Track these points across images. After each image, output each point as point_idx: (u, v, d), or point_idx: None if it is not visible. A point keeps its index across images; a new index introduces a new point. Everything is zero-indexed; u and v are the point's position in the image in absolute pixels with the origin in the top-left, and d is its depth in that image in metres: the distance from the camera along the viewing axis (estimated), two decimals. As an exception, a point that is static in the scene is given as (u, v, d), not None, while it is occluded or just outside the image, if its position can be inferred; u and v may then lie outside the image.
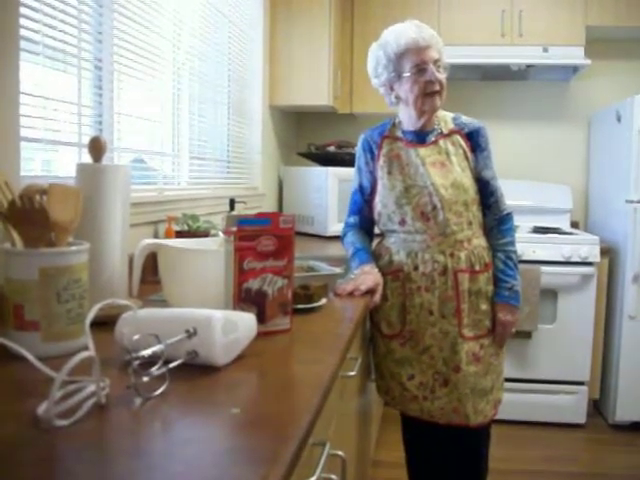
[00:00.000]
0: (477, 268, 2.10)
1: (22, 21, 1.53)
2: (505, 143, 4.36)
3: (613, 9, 3.88)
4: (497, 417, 2.23)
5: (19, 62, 1.51)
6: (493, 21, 3.96)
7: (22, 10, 1.53)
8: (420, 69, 2.04)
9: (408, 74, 2.05)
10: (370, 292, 1.96)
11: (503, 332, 2.14)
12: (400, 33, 2.07)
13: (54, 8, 1.69)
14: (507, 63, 3.92)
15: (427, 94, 2.06)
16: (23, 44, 1.54)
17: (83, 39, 1.87)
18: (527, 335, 3.59)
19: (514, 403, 3.57)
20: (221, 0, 3.07)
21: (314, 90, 3.78)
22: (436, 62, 2.06)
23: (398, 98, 2.14)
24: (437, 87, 2.06)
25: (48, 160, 1.86)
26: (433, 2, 4.06)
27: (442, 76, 2.07)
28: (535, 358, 3.64)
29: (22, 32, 1.53)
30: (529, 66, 3.92)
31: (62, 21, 1.73)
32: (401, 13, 3.83)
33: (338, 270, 1.97)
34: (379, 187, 2.16)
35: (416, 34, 2.04)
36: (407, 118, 2.17)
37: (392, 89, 2.13)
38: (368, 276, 2.02)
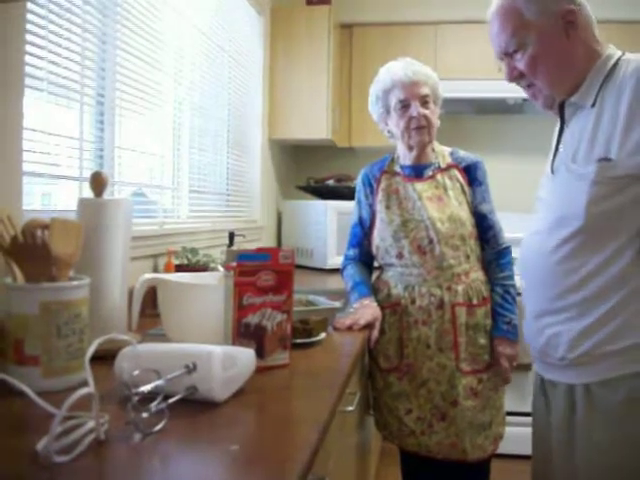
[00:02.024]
0: (475, 302, 2.10)
1: (27, 58, 1.56)
2: (502, 176, 4.38)
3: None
4: (497, 451, 2.21)
5: (23, 98, 1.54)
6: (489, 55, 3.97)
7: (27, 48, 1.56)
8: (404, 105, 2.10)
9: (394, 110, 2.12)
10: (369, 326, 1.96)
11: (508, 365, 2.13)
12: (390, 70, 2.15)
13: (59, 45, 1.72)
14: (503, 97, 3.96)
15: (413, 129, 2.10)
16: (27, 81, 1.57)
17: (86, 75, 1.90)
18: (526, 368, 3.57)
19: (514, 437, 3.54)
20: (222, 36, 3.11)
21: (313, 124, 3.82)
22: (423, 98, 2.11)
23: (391, 133, 2.21)
24: (422, 122, 2.10)
25: (48, 193, 1.87)
26: (430, 37, 4.12)
27: (428, 112, 2.11)
28: (534, 391, 3.61)
29: (27, 69, 1.56)
30: (525, 100, 3.95)
31: (67, 58, 1.76)
32: (400, 48, 3.89)
33: (337, 304, 1.98)
34: (377, 221, 2.18)
35: (403, 70, 2.11)
36: (402, 152, 2.22)
37: (386, 124, 2.21)
38: (367, 310, 2.03)
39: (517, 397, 3.54)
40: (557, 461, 1.57)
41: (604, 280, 1.43)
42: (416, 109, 2.09)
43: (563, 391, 1.53)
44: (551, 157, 1.61)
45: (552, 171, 1.58)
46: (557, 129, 1.62)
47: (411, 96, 2.10)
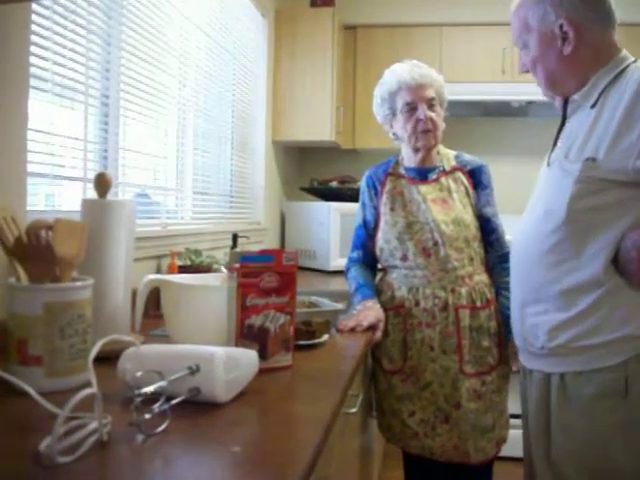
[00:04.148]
0: (478, 304, 2.10)
1: (32, 59, 1.56)
2: (506, 179, 4.38)
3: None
4: (500, 454, 2.21)
5: (28, 99, 1.54)
6: (494, 58, 4.02)
7: (32, 49, 1.56)
8: (411, 107, 2.11)
9: (401, 112, 2.12)
10: (372, 328, 1.96)
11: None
12: (395, 72, 2.15)
13: (63, 47, 1.72)
14: (508, 100, 3.97)
15: (420, 132, 2.10)
16: (32, 81, 1.57)
17: (90, 76, 1.90)
18: (529, 371, 3.57)
19: (516, 440, 3.53)
20: (226, 38, 3.12)
21: (317, 126, 3.82)
22: (430, 101, 2.11)
23: (396, 135, 2.20)
24: (429, 126, 2.10)
25: (52, 194, 1.88)
26: (435, 40, 4.12)
27: (434, 114, 2.12)
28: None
29: (32, 70, 1.57)
30: (530, 102, 3.96)
31: (71, 59, 1.77)
32: (404, 50, 3.90)
33: (340, 306, 1.98)
34: (381, 223, 2.18)
35: (409, 73, 2.11)
36: (407, 155, 2.22)
37: (391, 126, 2.20)
38: (370, 312, 2.02)
39: (519, 400, 3.52)
40: (535, 447, 1.65)
41: (582, 277, 1.49)
42: (423, 112, 2.09)
43: (539, 379, 1.62)
44: (550, 150, 1.67)
45: (548, 164, 1.65)
46: (559, 124, 1.67)
47: (418, 99, 2.10)
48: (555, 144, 1.64)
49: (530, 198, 1.73)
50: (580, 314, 1.50)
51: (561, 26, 1.54)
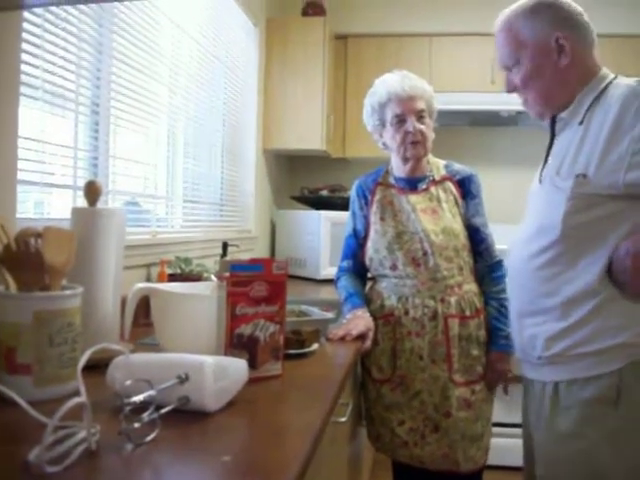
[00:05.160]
0: (467, 313, 2.11)
1: (23, 67, 1.56)
2: (495, 188, 4.40)
3: (607, 58, 3.96)
4: (489, 463, 2.21)
5: (18, 106, 1.54)
6: (483, 68, 4.04)
7: (23, 56, 1.56)
8: (400, 119, 2.12)
9: (390, 123, 2.13)
10: (361, 337, 1.96)
11: (497, 379, 2.17)
12: (386, 83, 2.16)
13: (55, 54, 1.72)
14: (497, 109, 3.99)
15: (409, 143, 2.12)
16: (23, 89, 1.57)
17: (81, 84, 1.90)
18: (517, 379, 3.57)
19: (507, 448, 3.53)
20: (217, 46, 3.13)
21: (307, 134, 3.83)
22: (419, 112, 2.12)
23: (385, 145, 2.22)
24: (417, 137, 2.12)
25: (41, 202, 1.87)
26: (424, 49, 4.15)
27: (423, 126, 2.13)
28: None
29: (22, 77, 1.56)
30: (519, 112, 3.98)
31: (62, 67, 1.77)
32: (394, 59, 3.93)
33: (330, 315, 1.97)
34: (371, 232, 2.19)
35: (399, 85, 2.11)
36: (396, 164, 2.23)
37: (381, 136, 2.21)
38: (360, 321, 2.03)
39: (508, 408, 3.53)
40: (538, 459, 1.64)
41: (578, 289, 1.51)
42: (412, 124, 2.10)
43: (538, 389, 1.63)
44: (540, 167, 1.69)
45: (540, 181, 1.67)
46: (548, 141, 1.69)
47: (407, 111, 2.11)
48: (546, 161, 1.66)
49: (524, 213, 1.74)
50: (576, 323, 1.51)
51: (557, 39, 1.56)
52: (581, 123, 1.54)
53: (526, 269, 1.62)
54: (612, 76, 1.59)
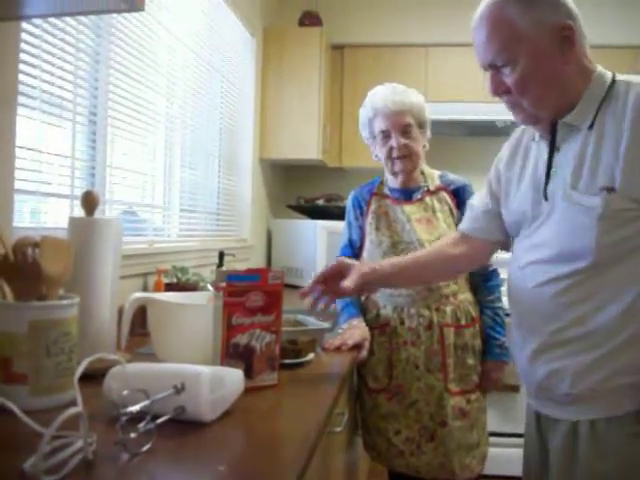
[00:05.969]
0: (463, 322, 2.11)
1: (21, 77, 1.57)
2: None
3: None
4: (485, 472, 2.21)
5: (16, 116, 1.55)
6: (479, 78, 4.03)
7: (21, 66, 1.57)
8: (386, 135, 2.13)
9: (377, 138, 2.16)
10: (357, 346, 1.97)
11: (491, 388, 2.18)
12: (372, 99, 2.17)
13: (52, 64, 1.73)
14: (493, 119, 4.00)
15: (395, 158, 2.14)
16: (20, 99, 1.58)
17: (79, 94, 1.91)
18: (514, 389, 3.58)
19: (501, 458, 3.53)
20: (214, 56, 3.14)
21: (304, 144, 3.85)
22: (405, 127, 2.12)
23: (378, 157, 2.24)
24: (402, 152, 2.12)
25: (37, 211, 1.88)
26: (420, 59, 4.16)
27: (408, 141, 2.12)
28: (523, 412, 3.61)
29: (20, 87, 1.57)
30: (514, 122, 3.98)
31: (60, 77, 1.78)
32: (391, 69, 3.95)
33: (326, 325, 1.98)
34: (367, 243, 2.19)
35: (384, 101, 2.12)
36: (389, 176, 2.24)
37: (374, 147, 2.23)
38: (355, 330, 2.03)
39: (504, 418, 3.54)
40: None
41: (611, 314, 1.33)
42: (396, 140, 2.11)
43: (566, 428, 1.42)
44: (543, 181, 1.45)
45: (545, 197, 1.43)
46: (546, 151, 1.46)
47: (392, 127, 2.11)
48: (548, 174, 1.43)
49: (514, 231, 1.57)
50: (609, 353, 1.33)
51: (563, 29, 1.33)
52: (591, 128, 1.34)
53: (543, 297, 1.42)
54: (610, 74, 1.39)
